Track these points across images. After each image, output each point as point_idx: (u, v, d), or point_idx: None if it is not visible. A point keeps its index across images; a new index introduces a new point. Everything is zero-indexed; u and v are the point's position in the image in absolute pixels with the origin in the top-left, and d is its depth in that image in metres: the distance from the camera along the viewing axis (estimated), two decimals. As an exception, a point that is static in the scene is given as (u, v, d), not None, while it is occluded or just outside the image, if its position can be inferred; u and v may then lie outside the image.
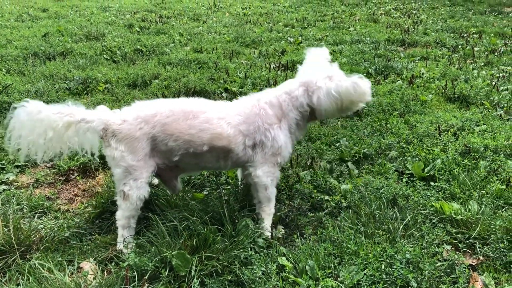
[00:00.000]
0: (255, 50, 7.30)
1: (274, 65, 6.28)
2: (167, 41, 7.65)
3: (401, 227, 2.61)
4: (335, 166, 3.43)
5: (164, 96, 4.94)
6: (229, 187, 3.05)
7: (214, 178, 3.22)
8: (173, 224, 2.52)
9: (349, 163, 3.43)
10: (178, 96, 4.95)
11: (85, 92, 5.21)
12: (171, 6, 11.97)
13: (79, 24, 8.89)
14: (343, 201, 2.95)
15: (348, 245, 2.39)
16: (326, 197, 2.98)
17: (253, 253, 2.40)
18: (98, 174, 3.45)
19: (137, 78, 5.52)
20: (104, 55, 6.64)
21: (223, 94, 5.08)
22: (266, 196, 2.64)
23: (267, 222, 2.67)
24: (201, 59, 6.36)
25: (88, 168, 3.50)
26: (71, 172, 3.45)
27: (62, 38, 7.66)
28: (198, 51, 7.05)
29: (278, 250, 2.44)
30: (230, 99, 4.86)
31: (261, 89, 5.16)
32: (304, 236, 2.60)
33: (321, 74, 2.63)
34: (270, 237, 2.61)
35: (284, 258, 2.37)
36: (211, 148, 2.49)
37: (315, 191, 3.02)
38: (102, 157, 3.11)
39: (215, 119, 2.49)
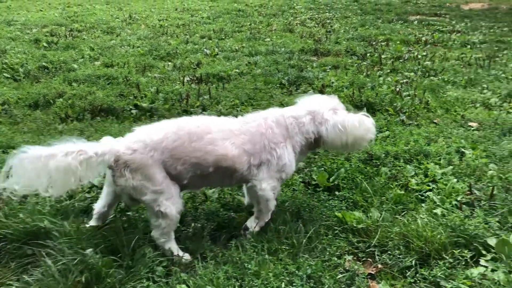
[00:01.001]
0: (169, 63, 7.14)
1: (188, 78, 6.17)
2: (76, 57, 7.28)
3: (304, 240, 2.60)
4: (244, 181, 3.38)
5: (67, 116, 4.65)
6: (129, 213, 2.89)
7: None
8: (64, 259, 2.32)
9: (257, 178, 3.40)
10: (83, 115, 4.70)
11: (-22, 115, 4.78)
12: (83, 19, 11.46)
13: (-22, 40, 8.24)
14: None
15: (249, 265, 2.34)
16: (233, 215, 2.92)
17: (151, 283, 2.27)
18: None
19: (39, 97, 5.17)
20: (4, 73, 6.17)
21: (132, 111, 4.88)
22: (267, 208, 2.71)
23: (260, 224, 2.74)
24: (111, 75, 6.09)
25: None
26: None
27: (-44, 56, 7.04)
28: (109, 65, 6.78)
29: (179, 277, 2.34)
30: (140, 116, 4.73)
31: (173, 104, 5.07)
32: (207, 259, 2.51)
33: (326, 106, 2.77)
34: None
35: (184, 285, 2.27)
36: (217, 169, 2.51)
37: (221, 209, 2.95)
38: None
39: (219, 140, 2.50)
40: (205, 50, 8.02)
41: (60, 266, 2.29)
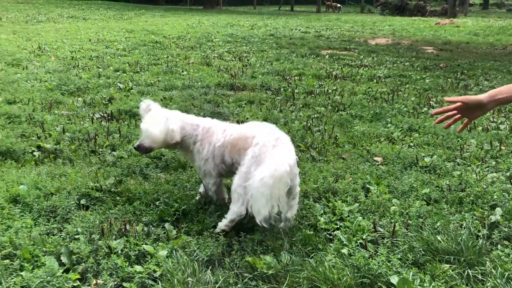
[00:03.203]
0: (79, 99, 6.83)
1: (99, 115, 5.93)
2: (-27, 92, 6.72)
3: (213, 292, 2.53)
4: (153, 228, 3.25)
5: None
6: (22, 273, 2.63)
7: (8, 264, 2.76)
8: None
9: (167, 224, 3.28)
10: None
11: None
12: (-15, 49, 10.71)
13: None
14: (157, 269, 2.77)
15: (153, 326, 2.21)
16: (139, 268, 2.76)
17: None
18: None
19: None
20: None
21: (35, 153, 4.55)
22: None
23: None
24: (12, 113, 5.67)
25: None
26: None
27: None
28: (11, 102, 6.33)
29: None
30: (43, 158, 4.42)
31: (80, 144, 4.81)
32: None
33: None
34: None
35: None
36: None
37: (126, 263, 2.78)
38: None
39: None
40: (118, 84, 7.80)
41: None
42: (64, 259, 2.79)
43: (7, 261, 2.74)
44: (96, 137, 4.92)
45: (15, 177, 3.89)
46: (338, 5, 40.04)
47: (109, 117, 5.86)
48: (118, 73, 8.88)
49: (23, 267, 2.69)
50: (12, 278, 2.56)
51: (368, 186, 3.94)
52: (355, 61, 11.30)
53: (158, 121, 3.37)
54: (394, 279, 2.63)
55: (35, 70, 8.66)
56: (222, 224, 3.19)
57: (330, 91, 7.76)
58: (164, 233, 3.20)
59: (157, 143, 3.41)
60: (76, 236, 3.07)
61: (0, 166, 4.21)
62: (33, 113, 5.82)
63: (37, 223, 3.25)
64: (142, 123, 3.42)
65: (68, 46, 12.13)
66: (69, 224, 3.24)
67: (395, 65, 10.94)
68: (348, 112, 6.45)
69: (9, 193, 3.57)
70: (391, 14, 33.84)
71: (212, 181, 3.50)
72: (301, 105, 6.80)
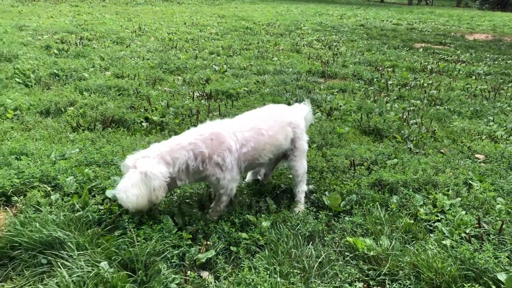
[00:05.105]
0: (179, 77, 7.22)
1: (198, 94, 6.24)
2: (86, 65, 7.35)
3: (315, 265, 2.63)
4: (254, 201, 3.41)
5: (78, 125, 4.69)
6: (143, 227, 2.91)
7: (130, 218, 3.06)
8: (79, 271, 2.34)
9: (267, 198, 3.43)
10: (94, 125, 4.72)
11: (-10, 119, 4.81)
12: (93, 28, 11.58)
13: (-11, 43, 8.31)
14: (261, 238, 2.92)
15: (263, 287, 2.36)
16: (244, 235, 2.94)
17: (165, 300, 2.29)
18: (-1, 213, 3.15)
19: (50, 105, 5.21)
20: (16, 79, 6.22)
21: (143, 124, 4.93)
22: None
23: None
24: (121, 86, 6.16)
25: (-14, 207, 3.19)
26: (-34, 212, 3.12)
27: (-32, 58, 7.09)
28: (119, 76, 6.84)
29: (192, 295, 2.35)
30: (150, 129, 4.76)
31: (183, 119, 5.12)
32: (220, 279, 2.53)
33: None
34: None
35: (197, 304, 2.28)
36: None
37: (233, 229, 2.97)
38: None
39: None
40: (214, 66, 8.11)
41: (75, 278, 2.30)
42: (177, 219, 3.04)
43: (129, 215, 3.03)
44: (198, 113, 5.20)
45: (128, 143, 4.25)
46: (431, -2, 38.12)
47: (207, 96, 6.15)
48: (212, 55, 9.22)
49: (143, 221, 2.96)
50: (137, 230, 2.83)
51: (470, 182, 3.82)
52: (451, 56, 10.78)
53: (134, 183, 2.68)
54: (502, 276, 2.56)
55: (138, 49, 9.25)
56: (302, 208, 3.36)
57: (425, 84, 7.51)
58: (265, 207, 3.35)
59: (141, 209, 2.80)
60: (187, 200, 3.31)
61: (114, 133, 4.61)
62: (139, 88, 6.25)
63: (150, 185, 3.53)
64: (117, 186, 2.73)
65: (165, 28, 12.76)
66: (179, 188, 3.50)
67: (496, 62, 10.28)
68: (445, 107, 6.22)
69: (125, 156, 3.91)
70: (491, 9, 31.60)
71: (236, 184, 3.15)
72: (395, 97, 6.66)
